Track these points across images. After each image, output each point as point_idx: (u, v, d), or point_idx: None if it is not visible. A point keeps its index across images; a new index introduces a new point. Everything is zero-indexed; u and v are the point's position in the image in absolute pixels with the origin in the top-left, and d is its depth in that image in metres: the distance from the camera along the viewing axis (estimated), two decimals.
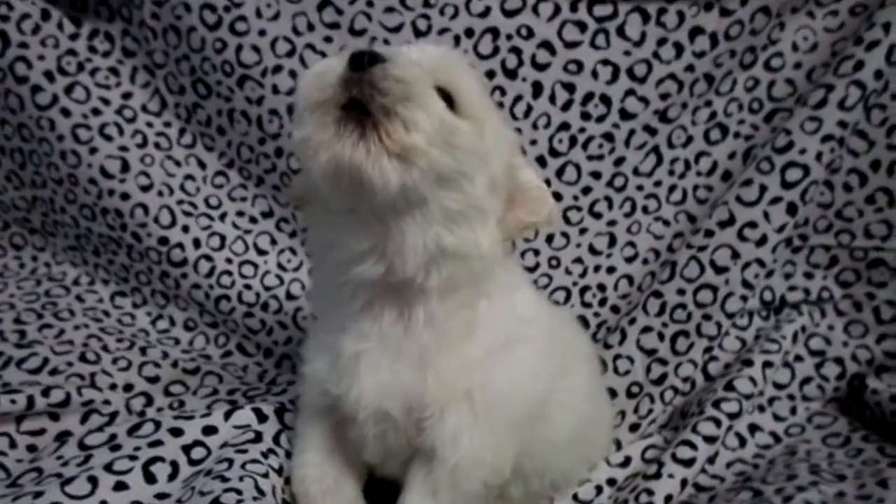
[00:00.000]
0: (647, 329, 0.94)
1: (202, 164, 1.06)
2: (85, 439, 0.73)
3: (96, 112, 1.01)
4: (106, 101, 1.02)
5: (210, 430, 0.75)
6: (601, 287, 1.00)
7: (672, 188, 0.99)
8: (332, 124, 0.51)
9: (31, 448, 0.76)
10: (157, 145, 1.04)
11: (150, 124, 1.04)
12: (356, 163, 0.50)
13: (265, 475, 0.70)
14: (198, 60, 0.97)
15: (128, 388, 0.89)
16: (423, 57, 0.56)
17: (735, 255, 0.91)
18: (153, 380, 0.92)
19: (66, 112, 0.99)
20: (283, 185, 1.02)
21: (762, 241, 0.91)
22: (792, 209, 0.90)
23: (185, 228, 1.03)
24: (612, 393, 0.93)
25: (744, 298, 0.92)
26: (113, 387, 0.88)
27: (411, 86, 0.50)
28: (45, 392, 0.79)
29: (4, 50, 0.98)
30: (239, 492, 0.65)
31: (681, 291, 0.93)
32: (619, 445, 0.89)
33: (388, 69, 0.50)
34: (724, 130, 0.96)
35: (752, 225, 0.91)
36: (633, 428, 0.91)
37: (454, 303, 0.60)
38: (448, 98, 0.54)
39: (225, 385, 0.94)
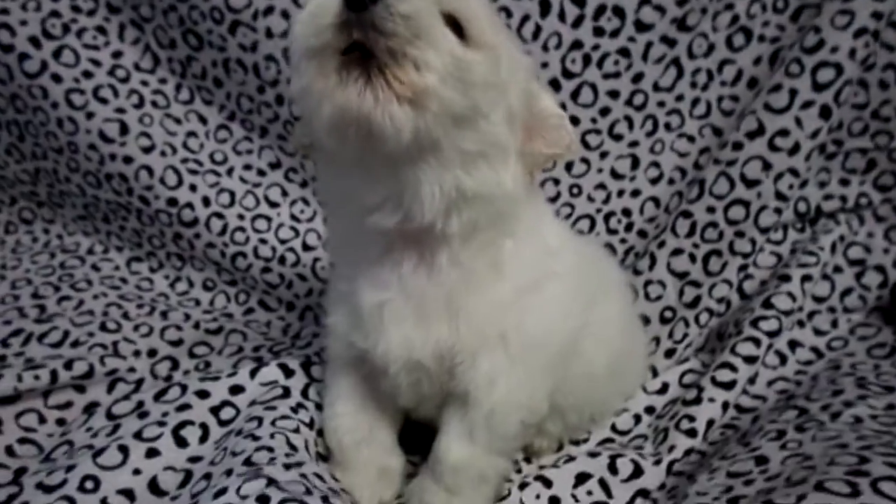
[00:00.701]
0: (677, 251, 0.91)
1: (203, 120, 1.02)
2: (112, 409, 0.73)
3: (88, 75, 0.97)
4: (97, 63, 0.98)
5: (237, 390, 0.74)
6: (626, 212, 0.97)
7: (695, 101, 0.93)
8: (334, 71, 0.46)
9: (61, 421, 0.76)
10: (154, 104, 1.00)
11: (144, 83, 1.00)
12: (364, 112, 0.45)
13: (296, 430, 0.69)
14: (185, 10, 0.93)
15: (152, 353, 0.88)
16: None
17: (766, 166, 0.86)
18: (176, 343, 0.91)
19: (56, 78, 0.96)
20: (288, 133, 0.99)
21: (795, 149, 0.85)
22: (825, 112, 0.84)
23: (193, 187, 1.00)
24: (645, 319, 0.91)
25: (778, 211, 0.88)
26: (137, 353, 0.87)
27: (418, 21, 0.45)
28: (68, 365, 0.78)
29: None
30: (271, 449, 0.64)
31: (711, 209, 0.89)
32: (655, 372, 0.87)
33: (392, 5, 0.44)
34: (748, 34, 0.90)
35: (784, 133, 0.85)
36: (669, 353, 0.88)
37: (478, 243, 0.57)
38: (456, 25, 0.49)
39: (249, 342, 0.93)
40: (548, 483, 0.69)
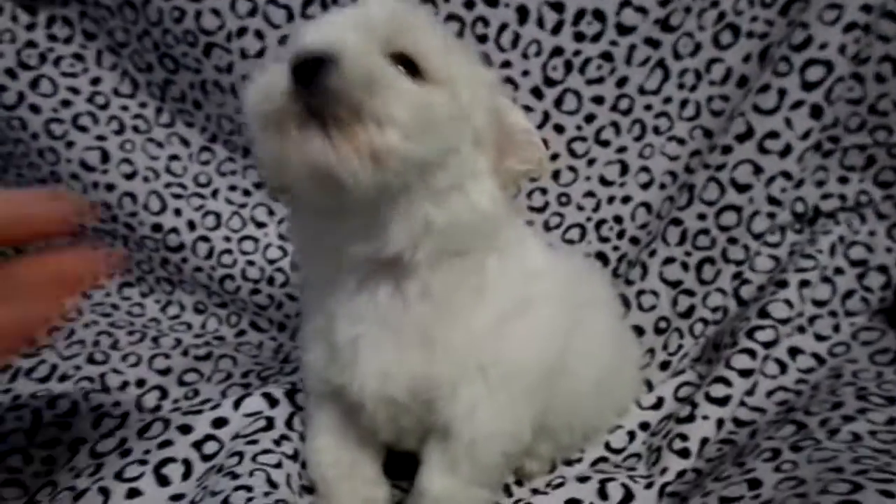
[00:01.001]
0: (669, 260, 0.88)
1: (185, 142, 1.01)
2: (97, 446, 0.72)
3: (66, 104, 0.96)
4: (75, 91, 0.97)
5: (220, 423, 0.73)
6: (617, 219, 0.94)
7: (684, 103, 0.90)
8: (294, 129, 0.45)
9: (47, 460, 0.75)
10: (135, 129, 0.99)
11: (124, 108, 0.99)
12: (326, 165, 0.44)
13: (278, 465, 0.68)
14: (159, 34, 0.91)
15: (140, 383, 0.87)
16: (371, 22, 0.48)
17: (757, 170, 0.83)
18: (165, 372, 0.90)
19: (35, 109, 0.95)
20: None
21: (786, 151, 0.82)
22: (816, 112, 0.81)
23: (178, 212, 0.99)
24: (640, 330, 0.89)
25: (771, 216, 0.85)
26: (124, 385, 0.86)
27: (373, 78, 0.44)
28: (51, 403, 0.77)
29: None
30: (249, 489, 0.63)
31: (701, 216, 0.86)
32: (650, 386, 0.85)
33: (341, 70, 0.43)
34: (736, 31, 0.86)
35: (774, 135, 0.82)
36: (664, 366, 0.86)
37: (456, 270, 0.55)
38: (408, 63, 0.48)
39: (239, 367, 0.92)
40: None
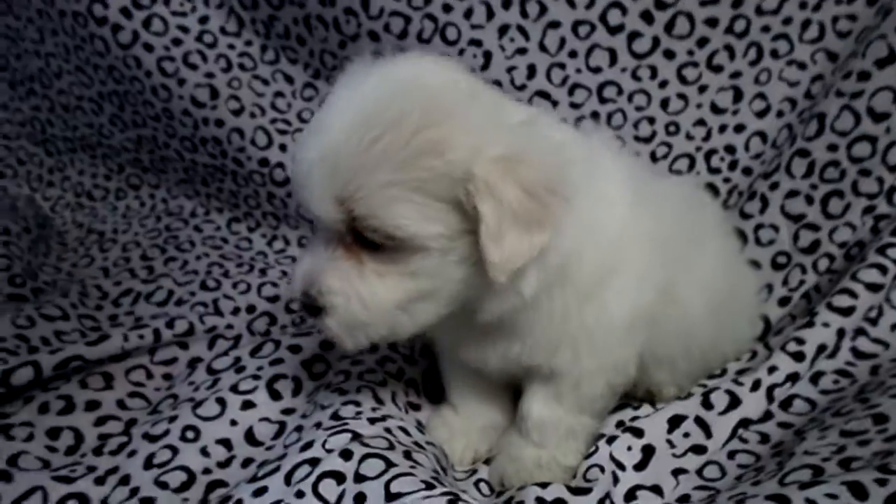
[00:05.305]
0: (792, 193, 0.83)
1: (289, 79, 1.03)
2: (213, 364, 0.76)
3: (177, 42, 0.99)
4: (185, 30, 1.00)
5: (328, 345, 0.75)
6: (729, 149, 0.89)
7: (805, 24, 0.84)
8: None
9: (167, 376, 0.79)
10: (241, 66, 1.01)
11: (231, 46, 1.01)
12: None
13: (382, 383, 0.70)
14: None
15: (250, 309, 0.90)
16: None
17: None
18: (273, 299, 0.93)
19: (148, 47, 0.98)
20: None
21: None
22: None
23: (283, 147, 1.01)
24: (756, 265, 0.84)
25: None
26: (236, 311, 0.89)
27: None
28: (170, 324, 0.81)
29: None
30: (357, 403, 0.65)
31: (832, 147, 0.80)
32: (768, 323, 0.81)
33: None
34: None
35: None
36: (783, 302, 0.81)
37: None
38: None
39: None
40: (638, 433, 0.65)
